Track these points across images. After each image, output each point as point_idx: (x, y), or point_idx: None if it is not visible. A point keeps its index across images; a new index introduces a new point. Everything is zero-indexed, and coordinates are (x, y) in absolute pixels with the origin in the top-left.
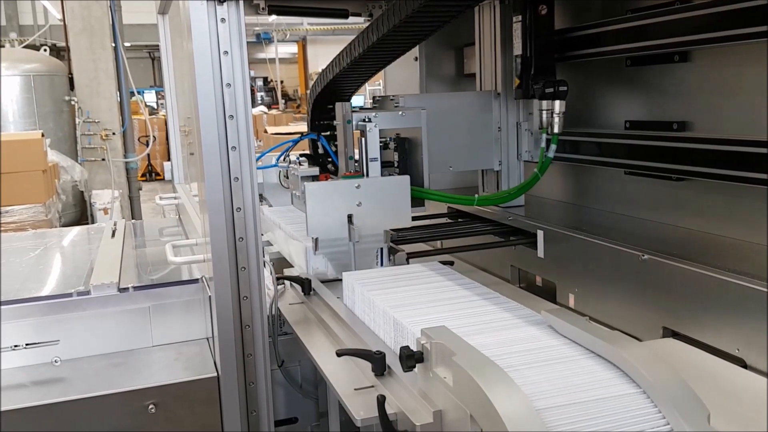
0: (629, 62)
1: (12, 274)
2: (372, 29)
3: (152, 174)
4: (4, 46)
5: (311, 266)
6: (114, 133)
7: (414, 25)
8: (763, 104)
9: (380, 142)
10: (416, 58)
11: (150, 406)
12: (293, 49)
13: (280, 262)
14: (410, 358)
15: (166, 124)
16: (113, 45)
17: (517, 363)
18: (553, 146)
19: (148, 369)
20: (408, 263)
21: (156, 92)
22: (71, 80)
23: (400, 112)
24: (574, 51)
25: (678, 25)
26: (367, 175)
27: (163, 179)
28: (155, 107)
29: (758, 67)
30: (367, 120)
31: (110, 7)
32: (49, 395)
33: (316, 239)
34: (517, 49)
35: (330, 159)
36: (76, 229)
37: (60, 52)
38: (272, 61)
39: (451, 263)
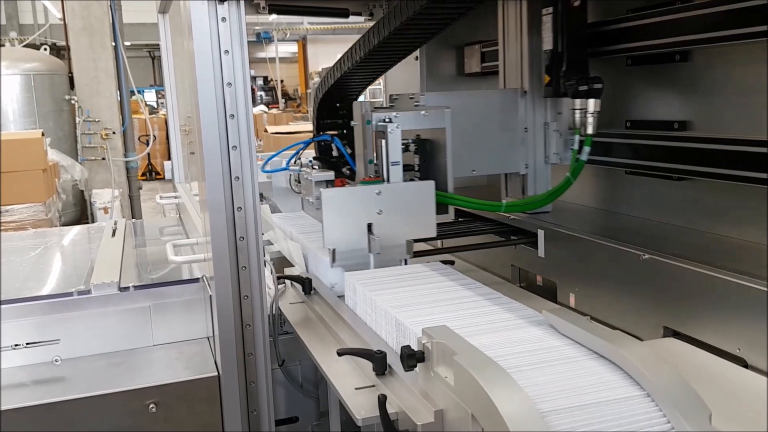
0: (630, 61)
1: (12, 273)
2: (376, 30)
3: (152, 173)
4: (4, 45)
5: (329, 281)
6: (114, 133)
7: (421, 26)
8: None
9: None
10: (416, 58)
11: (150, 406)
12: (293, 48)
13: (281, 261)
14: (411, 358)
15: (166, 123)
16: (113, 44)
17: (520, 364)
18: (587, 148)
19: (149, 368)
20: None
21: (156, 91)
22: (71, 79)
23: (423, 112)
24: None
25: (678, 24)
26: (388, 180)
27: (164, 178)
28: (155, 106)
29: None
30: (387, 120)
31: (110, 6)
32: (49, 394)
33: (334, 251)
34: (547, 44)
35: (345, 161)
36: (77, 228)
37: (60, 52)
38: (272, 60)
39: (452, 263)
